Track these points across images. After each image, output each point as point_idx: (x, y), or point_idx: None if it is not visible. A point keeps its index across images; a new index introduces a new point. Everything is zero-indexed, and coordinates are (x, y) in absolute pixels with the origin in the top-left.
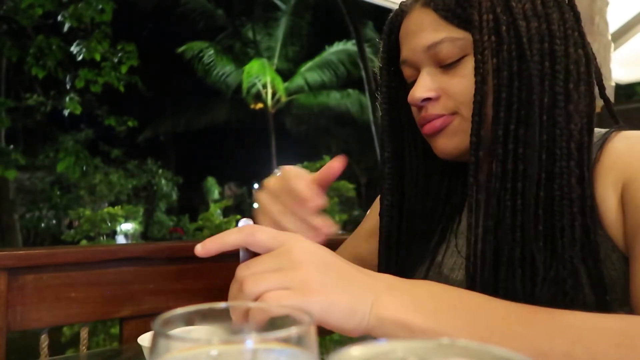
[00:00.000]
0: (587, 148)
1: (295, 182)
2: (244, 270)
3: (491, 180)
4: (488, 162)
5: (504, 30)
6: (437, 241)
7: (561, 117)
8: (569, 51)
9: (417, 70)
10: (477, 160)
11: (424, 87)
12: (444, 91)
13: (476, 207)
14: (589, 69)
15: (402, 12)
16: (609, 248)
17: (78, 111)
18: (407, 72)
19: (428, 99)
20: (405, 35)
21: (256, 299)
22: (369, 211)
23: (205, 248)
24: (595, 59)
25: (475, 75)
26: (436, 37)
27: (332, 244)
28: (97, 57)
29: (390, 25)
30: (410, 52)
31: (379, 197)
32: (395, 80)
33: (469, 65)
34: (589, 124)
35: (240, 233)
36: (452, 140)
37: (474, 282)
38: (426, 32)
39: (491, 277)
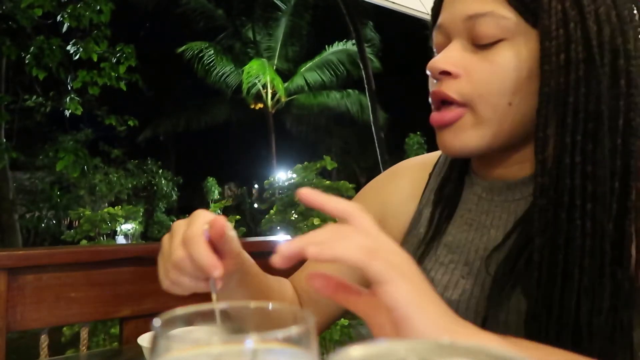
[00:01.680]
0: None
1: (195, 249)
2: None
3: (562, 195)
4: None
5: (572, 27)
6: (423, 253)
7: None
8: None
9: (449, 41)
10: (544, 160)
11: (448, 58)
12: (467, 72)
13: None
14: None
15: None
16: None
17: (79, 112)
18: (438, 39)
19: (447, 74)
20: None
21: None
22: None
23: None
24: None
25: (543, 64)
26: (482, 8)
27: None
28: (95, 57)
29: None
30: (449, 17)
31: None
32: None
33: (503, 52)
34: None
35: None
36: (458, 137)
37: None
38: (473, 0)
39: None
